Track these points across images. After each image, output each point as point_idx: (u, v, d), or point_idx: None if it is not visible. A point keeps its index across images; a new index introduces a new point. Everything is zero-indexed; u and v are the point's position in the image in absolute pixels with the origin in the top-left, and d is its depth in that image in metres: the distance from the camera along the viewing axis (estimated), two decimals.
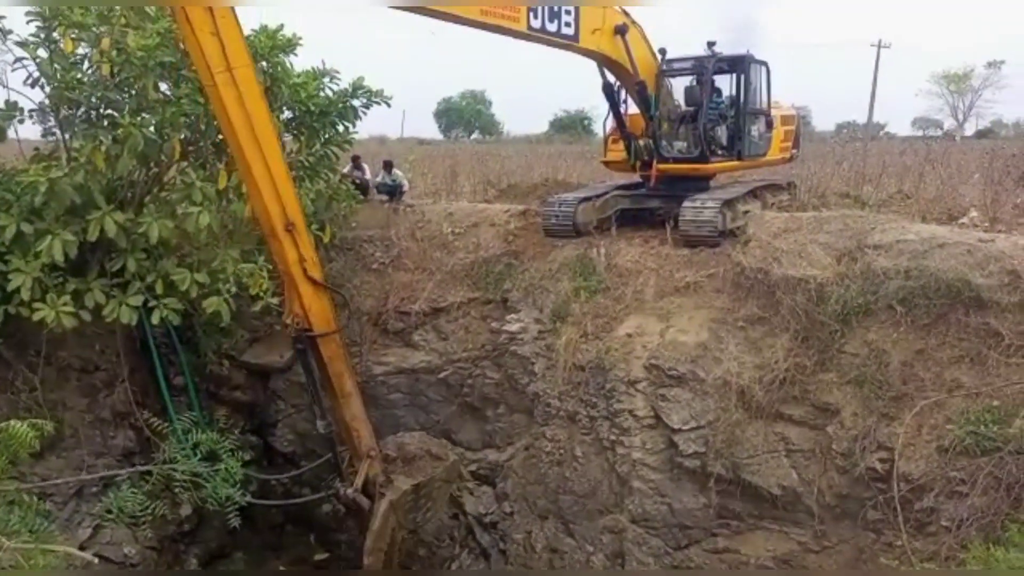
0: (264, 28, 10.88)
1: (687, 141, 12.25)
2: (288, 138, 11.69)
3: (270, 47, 10.83)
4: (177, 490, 9.47)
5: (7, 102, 9.75)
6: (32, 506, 6.30)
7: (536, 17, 9.64)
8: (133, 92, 9.90)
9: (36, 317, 9.17)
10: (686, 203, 11.43)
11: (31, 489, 7.42)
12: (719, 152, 12.35)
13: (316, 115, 11.66)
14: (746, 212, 11.75)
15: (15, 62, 9.51)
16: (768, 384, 9.46)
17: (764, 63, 12.73)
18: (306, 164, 11.84)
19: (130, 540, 10.59)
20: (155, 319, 10.09)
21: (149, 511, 9.06)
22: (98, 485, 10.38)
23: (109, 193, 9.90)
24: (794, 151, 14.69)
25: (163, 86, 10.03)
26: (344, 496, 10.34)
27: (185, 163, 10.49)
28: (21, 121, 9.94)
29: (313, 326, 9.44)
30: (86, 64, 9.86)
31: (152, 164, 10.53)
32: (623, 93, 12.17)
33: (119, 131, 9.40)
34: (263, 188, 8.57)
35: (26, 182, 9.12)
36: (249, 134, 8.25)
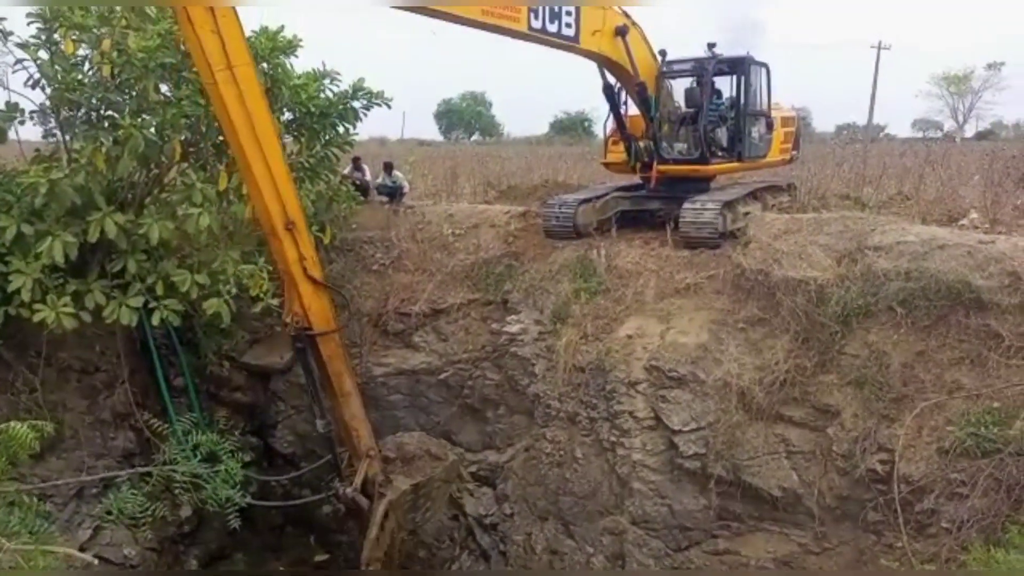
0: (265, 30, 10.89)
1: (687, 143, 12.26)
2: (288, 139, 11.69)
3: (271, 48, 10.84)
4: (177, 491, 9.45)
5: (8, 103, 9.76)
6: (32, 507, 6.29)
7: (536, 18, 9.65)
8: (134, 93, 9.91)
9: (36, 318, 9.17)
10: (686, 205, 11.43)
11: (31, 490, 7.41)
12: (719, 154, 12.35)
13: (316, 116, 11.66)
14: (746, 214, 11.76)
15: (16, 63, 9.52)
16: (768, 385, 9.46)
17: (764, 65, 12.74)
18: (306, 165, 11.85)
19: (130, 541, 10.60)
20: (155, 320, 10.10)
21: (149, 512, 9.06)
22: (98, 486, 10.38)
23: (109, 194, 9.91)
24: (794, 153, 14.70)
25: (164, 87, 10.04)
26: (343, 496, 10.34)
27: (186, 164, 10.51)
28: (22, 122, 9.95)
29: (313, 325, 9.44)
30: (87, 65, 9.87)
31: (153, 165, 10.54)
32: (623, 94, 12.18)
33: (120, 132, 9.41)
34: (263, 187, 8.57)
35: (27, 183, 9.12)
36: (249, 133, 8.25)
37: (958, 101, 66.16)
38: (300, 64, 11.45)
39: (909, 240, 9.63)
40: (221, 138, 10.26)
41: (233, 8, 7.90)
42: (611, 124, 12.83)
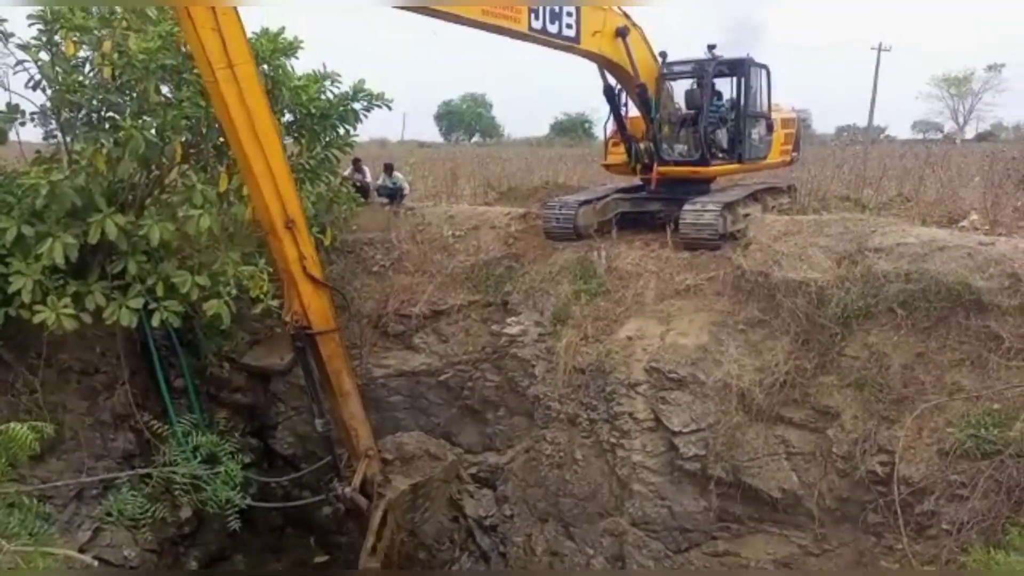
0: (265, 31, 10.91)
1: (687, 144, 12.27)
2: (289, 141, 11.69)
3: (271, 50, 10.85)
4: (177, 493, 9.48)
5: (8, 105, 9.75)
6: (32, 508, 6.30)
7: (537, 18, 9.67)
8: (134, 95, 9.91)
9: (37, 319, 9.17)
10: (686, 206, 11.44)
11: (31, 491, 7.42)
12: (719, 155, 12.36)
13: (317, 118, 11.67)
14: (746, 215, 11.76)
15: (17, 65, 9.53)
16: (768, 387, 9.46)
17: (764, 66, 12.75)
18: (307, 167, 11.85)
19: (130, 543, 10.59)
20: (155, 321, 10.09)
21: (149, 514, 9.09)
22: (98, 488, 10.39)
23: (110, 196, 9.92)
24: (794, 154, 14.70)
25: (164, 89, 10.05)
26: (342, 495, 10.35)
27: (186, 166, 10.51)
28: (23, 124, 9.96)
29: (312, 324, 9.44)
30: (87, 67, 9.88)
31: (153, 167, 10.55)
32: (624, 96, 12.20)
33: (120, 134, 9.42)
34: (263, 185, 8.57)
35: (27, 184, 9.12)
36: (250, 131, 8.25)
37: (958, 103, 66.25)
38: (301, 65, 11.48)
39: (909, 242, 9.63)
40: (222, 139, 10.27)
41: (234, 7, 7.92)
42: (611, 126, 12.86)
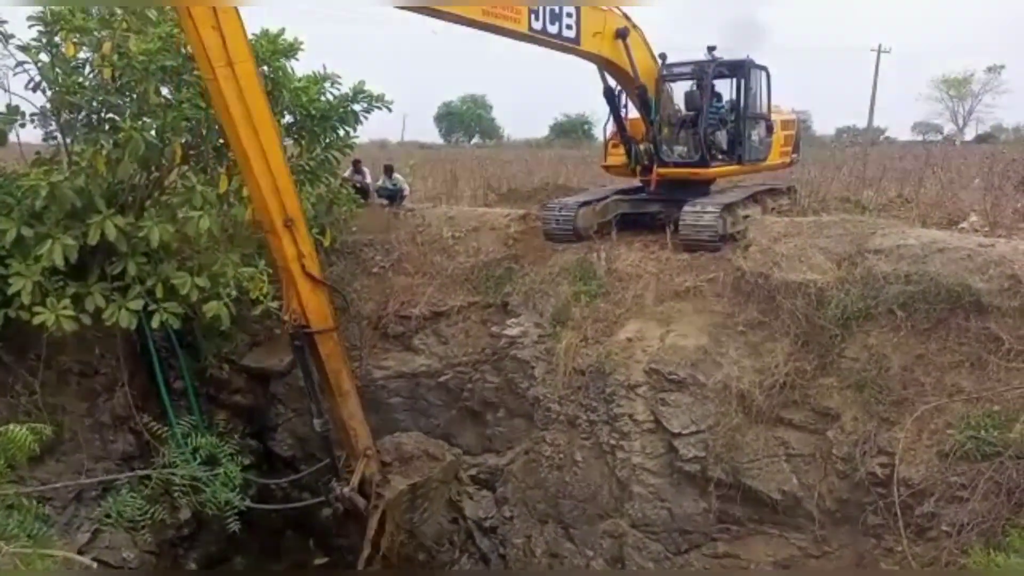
0: (265, 32, 10.92)
1: (687, 145, 12.27)
2: (289, 142, 11.70)
3: (271, 51, 10.86)
4: (176, 494, 9.46)
5: (8, 106, 9.76)
6: (31, 510, 6.29)
7: (537, 19, 9.68)
8: (134, 96, 9.93)
9: (36, 321, 9.17)
10: (686, 207, 11.44)
11: (30, 493, 7.41)
12: (719, 157, 12.37)
13: (317, 119, 11.67)
14: (746, 216, 11.77)
15: (17, 66, 9.54)
16: (768, 388, 9.46)
17: (764, 68, 12.75)
18: (307, 168, 11.85)
19: (129, 544, 10.58)
20: (155, 323, 10.09)
21: (148, 515, 9.06)
22: (97, 489, 10.38)
23: (110, 197, 9.92)
24: (794, 156, 14.71)
25: (164, 90, 10.06)
26: (340, 495, 10.34)
27: (186, 167, 10.52)
28: (22, 125, 9.94)
29: (310, 323, 9.42)
30: (87, 68, 9.89)
31: (153, 168, 10.55)
32: (624, 97, 12.20)
33: (120, 135, 9.43)
34: (262, 183, 8.55)
35: (27, 186, 9.13)
36: (249, 129, 8.23)
37: (958, 104, 66.26)
38: (301, 67, 11.49)
39: (909, 243, 9.63)
40: (222, 141, 10.28)
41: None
42: (611, 127, 12.86)
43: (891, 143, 46.40)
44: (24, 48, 9.43)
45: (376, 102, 12.11)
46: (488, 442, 11.98)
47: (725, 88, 12.56)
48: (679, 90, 12.52)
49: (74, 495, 10.31)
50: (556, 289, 11.50)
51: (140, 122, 9.61)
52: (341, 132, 12.11)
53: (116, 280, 9.94)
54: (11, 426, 5.51)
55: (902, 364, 8.91)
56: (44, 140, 10.61)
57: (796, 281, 9.81)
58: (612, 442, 10.30)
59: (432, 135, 65.36)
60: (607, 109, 12.40)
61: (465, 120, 68.64)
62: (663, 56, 12.14)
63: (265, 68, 10.69)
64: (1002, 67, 62.38)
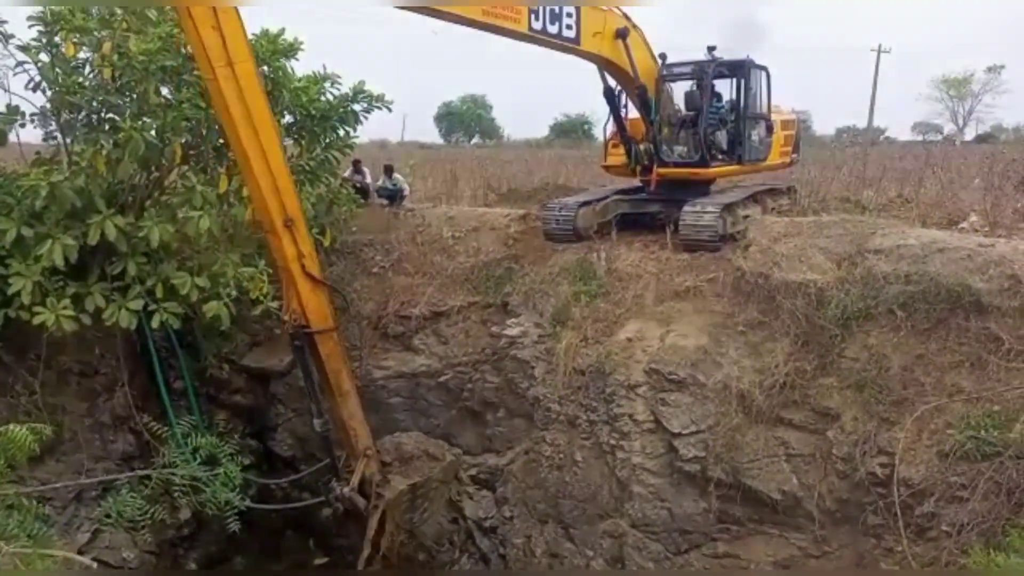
0: (265, 32, 10.92)
1: (687, 146, 12.27)
2: (289, 142, 11.70)
3: (271, 51, 10.86)
4: (176, 494, 9.46)
5: (8, 106, 9.77)
6: (31, 510, 6.29)
7: (537, 19, 9.68)
8: (134, 96, 9.93)
9: (36, 321, 9.17)
10: (686, 207, 11.44)
11: (30, 493, 7.41)
12: (719, 157, 12.37)
13: (317, 119, 11.67)
14: (746, 216, 11.77)
15: (17, 66, 9.54)
16: (768, 388, 9.46)
17: (764, 68, 12.75)
18: (307, 168, 11.85)
19: (129, 544, 10.58)
20: (155, 323, 10.09)
21: (148, 515, 9.06)
22: (97, 489, 10.38)
23: (110, 197, 9.92)
24: (794, 156, 14.71)
25: (164, 90, 10.06)
26: (340, 495, 10.34)
27: (186, 167, 10.52)
28: (23, 125, 9.94)
29: (310, 323, 9.42)
30: (87, 68, 9.89)
31: (153, 168, 10.55)
32: (624, 97, 12.20)
33: (120, 135, 9.43)
34: (262, 183, 8.55)
35: (27, 186, 9.13)
36: (249, 129, 8.23)
37: (958, 104, 66.25)
38: (301, 67, 11.49)
39: (909, 243, 9.63)
40: (222, 141, 10.28)
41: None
42: (611, 127, 12.86)
43: (891, 143, 46.40)
44: (24, 48, 9.43)
45: (376, 102, 12.11)
46: (488, 442, 11.97)
47: (725, 88, 12.56)
48: (679, 90, 12.52)
49: (74, 495, 10.31)
50: (556, 289, 11.50)
51: (140, 122, 9.61)
52: (341, 132, 12.11)
53: (116, 280, 9.94)
54: (11, 426, 5.51)
55: (902, 364, 8.91)
56: (44, 140, 10.62)
57: (796, 281, 9.81)
58: (612, 442, 10.30)
59: (432, 135, 65.40)
60: (607, 109, 12.41)
61: (465, 120, 68.64)
62: (663, 56, 12.15)
63: (265, 68, 10.69)
64: (1002, 67, 62.44)
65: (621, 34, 10.99)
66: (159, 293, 9.98)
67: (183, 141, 10.19)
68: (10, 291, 9.11)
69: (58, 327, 9.29)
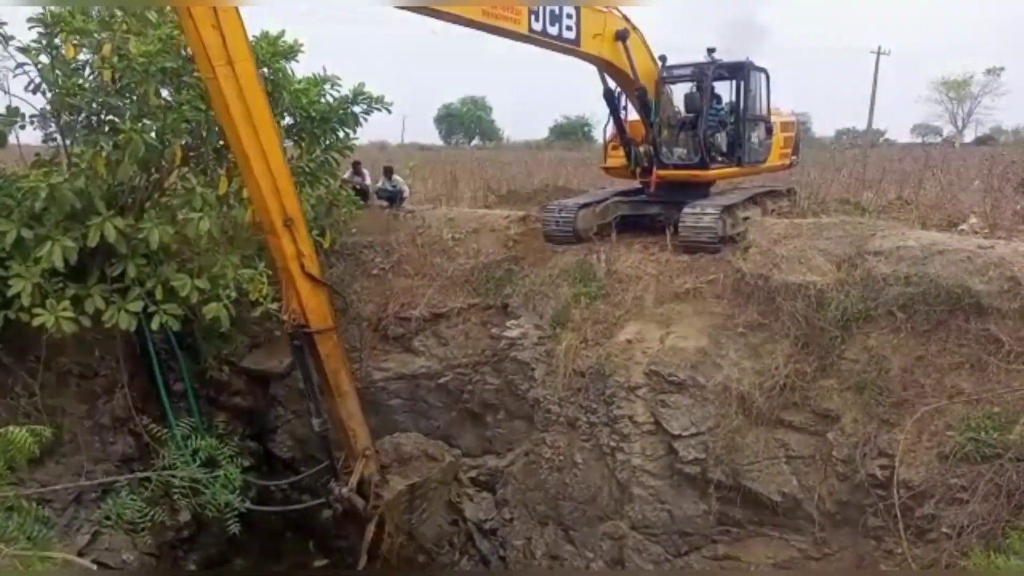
0: (265, 34, 10.93)
1: (687, 147, 12.28)
2: (289, 144, 11.71)
3: (271, 53, 10.87)
4: (176, 496, 9.43)
5: (8, 108, 9.77)
6: (30, 512, 6.28)
7: (537, 20, 9.69)
8: (134, 98, 9.93)
9: (36, 323, 9.17)
10: (686, 209, 11.44)
11: (30, 495, 7.39)
12: (719, 158, 12.37)
13: (317, 121, 11.68)
14: (746, 218, 11.77)
15: (17, 68, 9.55)
16: (768, 390, 9.45)
17: (763, 70, 12.77)
18: (307, 170, 11.86)
19: (129, 546, 10.57)
20: (155, 325, 10.09)
21: (148, 517, 9.04)
22: (97, 491, 10.37)
23: (110, 199, 9.92)
24: (794, 157, 14.71)
25: (164, 92, 10.07)
26: (338, 495, 10.33)
27: (186, 169, 10.53)
28: (22, 127, 9.95)
29: (310, 322, 9.42)
30: (87, 70, 9.90)
31: (153, 170, 10.55)
32: (624, 99, 12.21)
33: (120, 137, 9.43)
34: (262, 182, 8.55)
35: (27, 187, 9.13)
36: (249, 128, 8.24)
37: (957, 106, 66.29)
38: (301, 68, 11.50)
39: (909, 245, 9.63)
40: (221, 143, 10.28)
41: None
42: (611, 129, 12.87)
43: (890, 145, 46.44)
44: (24, 50, 9.43)
45: (376, 104, 12.13)
46: (488, 444, 11.97)
47: (725, 90, 12.58)
48: (679, 92, 12.53)
49: (74, 497, 10.31)
50: (556, 291, 11.51)
51: (140, 124, 9.62)
52: (341, 134, 12.12)
53: (116, 282, 9.94)
54: (11, 428, 5.51)
55: (902, 366, 8.90)
56: (44, 142, 10.61)
57: (796, 283, 9.81)
58: (612, 444, 10.29)
59: (432, 137, 65.51)
60: (607, 111, 12.42)
61: (465, 122, 68.73)
62: (663, 58, 12.16)
63: (265, 70, 10.70)
64: (1001, 69, 62.42)
65: (621, 36, 11.00)
66: (159, 295, 9.98)
67: (183, 143, 10.20)
68: (10, 293, 9.11)
69: (58, 329, 9.29)
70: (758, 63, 12.60)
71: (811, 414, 9.31)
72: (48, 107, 9.91)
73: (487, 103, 70.00)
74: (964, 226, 11.94)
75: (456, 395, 12.12)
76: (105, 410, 11.12)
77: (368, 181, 15.07)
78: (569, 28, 10.15)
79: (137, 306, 9.90)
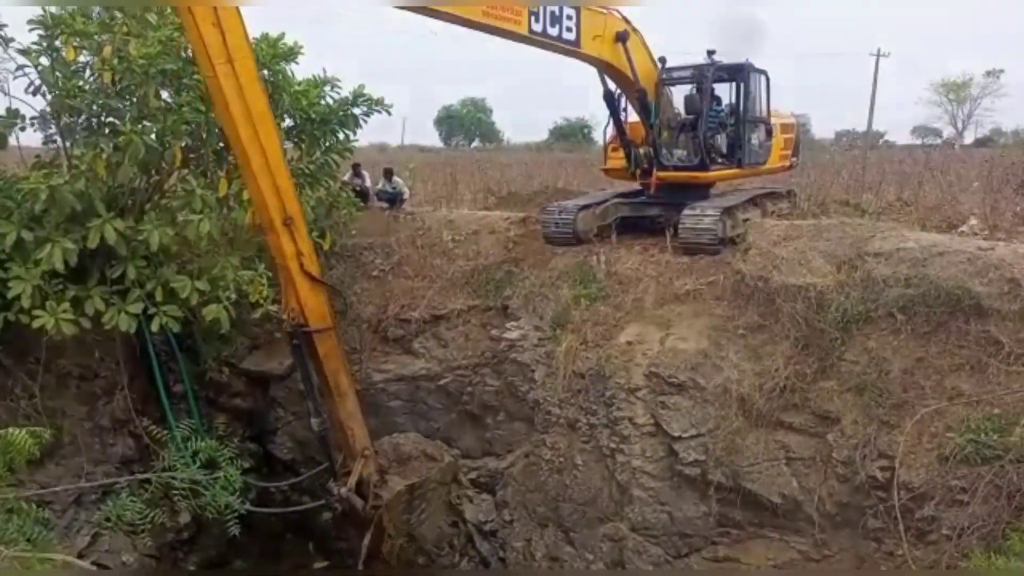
0: (265, 36, 10.94)
1: (687, 149, 12.29)
2: (289, 146, 11.71)
3: (271, 55, 10.88)
4: (176, 498, 9.44)
5: (8, 110, 9.78)
6: (30, 514, 6.29)
7: (537, 21, 9.70)
8: (134, 100, 9.94)
9: (36, 324, 9.17)
10: (686, 211, 11.45)
11: (30, 497, 7.39)
12: (719, 160, 12.38)
13: (317, 123, 11.70)
14: (746, 220, 11.78)
15: (17, 70, 9.56)
16: (768, 392, 9.45)
17: (763, 72, 12.78)
18: (307, 172, 11.86)
19: (129, 548, 10.55)
20: (155, 326, 10.09)
21: (148, 519, 9.05)
22: (97, 493, 10.36)
23: (110, 200, 9.92)
24: (794, 159, 14.72)
25: (164, 94, 10.07)
26: (338, 495, 10.33)
27: (186, 171, 10.53)
28: (23, 128, 9.96)
29: (308, 321, 9.41)
30: (87, 72, 9.91)
31: (153, 172, 10.56)
32: (623, 101, 12.23)
33: (120, 139, 9.43)
34: (262, 181, 8.55)
35: (27, 189, 9.14)
36: (249, 126, 8.23)
37: (957, 108, 66.28)
38: (301, 70, 11.52)
39: (909, 246, 9.63)
40: (222, 144, 10.30)
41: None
42: (611, 131, 12.88)
43: (890, 147, 46.43)
44: (24, 52, 9.44)
45: (376, 105, 12.14)
46: (488, 445, 11.96)
47: (725, 92, 12.58)
48: (679, 94, 12.54)
49: (74, 499, 10.29)
50: (556, 292, 11.51)
51: (140, 126, 9.61)
52: (341, 135, 12.14)
53: (116, 284, 9.94)
54: (11, 430, 5.52)
55: (902, 367, 8.90)
56: (44, 144, 10.63)
57: (796, 284, 9.81)
58: (612, 445, 10.29)
59: (432, 138, 65.55)
60: (607, 113, 12.43)
61: (465, 123, 68.77)
62: (663, 60, 12.17)
63: (265, 72, 10.70)
64: (1001, 71, 62.44)
65: (621, 37, 11.01)
66: (159, 296, 9.98)
67: (183, 145, 10.20)
68: (10, 294, 9.11)
69: (58, 330, 9.29)
70: (758, 65, 12.61)
71: (811, 416, 9.31)
72: (48, 109, 9.92)
73: (487, 105, 70.12)
74: (964, 228, 11.95)
75: (456, 397, 12.12)
76: (105, 412, 11.11)
77: (368, 183, 15.08)
78: (569, 29, 10.17)
79: (137, 308, 9.90)
